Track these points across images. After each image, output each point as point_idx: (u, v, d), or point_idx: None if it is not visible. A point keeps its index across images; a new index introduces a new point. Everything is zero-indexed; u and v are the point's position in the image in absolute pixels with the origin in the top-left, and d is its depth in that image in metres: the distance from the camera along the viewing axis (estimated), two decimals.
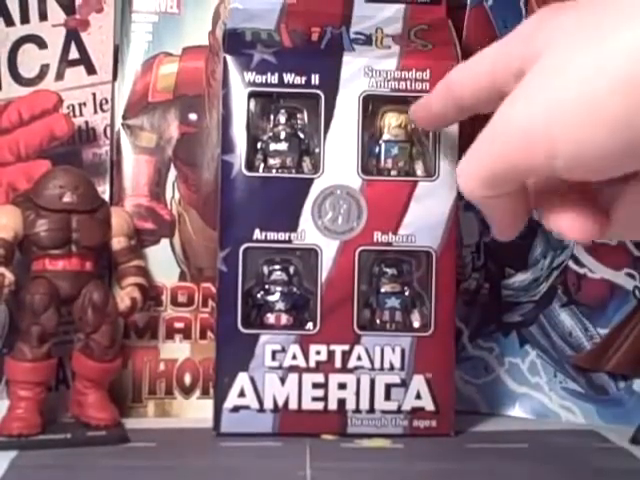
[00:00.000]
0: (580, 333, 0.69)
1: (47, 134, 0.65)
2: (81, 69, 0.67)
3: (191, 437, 0.61)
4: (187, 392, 0.67)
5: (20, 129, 0.65)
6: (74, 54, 0.66)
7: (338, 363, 0.60)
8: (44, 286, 0.59)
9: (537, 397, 0.69)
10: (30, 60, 0.66)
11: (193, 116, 0.67)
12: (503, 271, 0.70)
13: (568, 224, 0.36)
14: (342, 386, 0.60)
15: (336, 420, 0.60)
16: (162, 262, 0.67)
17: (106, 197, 0.66)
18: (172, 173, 0.67)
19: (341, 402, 0.60)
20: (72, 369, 0.62)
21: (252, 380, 0.60)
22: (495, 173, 0.35)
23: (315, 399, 0.60)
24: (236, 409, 0.60)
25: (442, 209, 0.61)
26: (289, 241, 0.60)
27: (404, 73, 0.61)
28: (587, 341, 0.69)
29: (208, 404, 0.63)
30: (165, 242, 0.67)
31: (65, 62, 0.66)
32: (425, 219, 0.61)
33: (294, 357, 0.60)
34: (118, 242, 0.63)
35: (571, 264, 0.69)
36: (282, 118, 0.62)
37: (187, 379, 0.66)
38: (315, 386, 0.60)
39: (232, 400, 0.60)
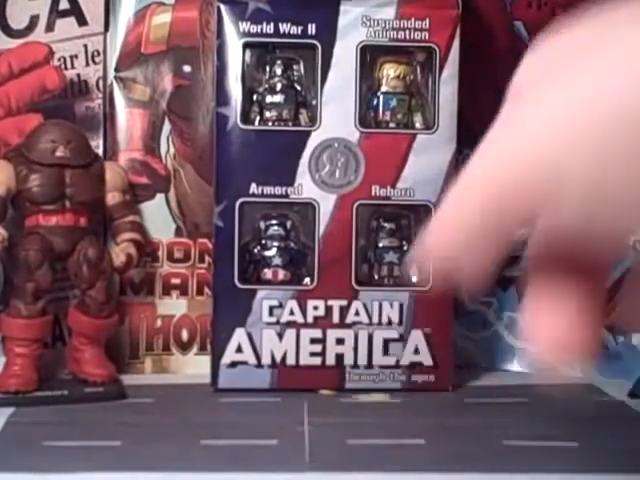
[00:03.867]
0: None
1: (38, 87, 0.63)
2: (72, 20, 0.65)
3: (189, 393, 0.60)
4: (184, 348, 0.66)
5: (10, 82, 0.64)
6: (64, 4, 0.65)
7: (336, 318, 0.60)
8: (38, 242, 0.58)
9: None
10: (19, 11, 0.64)
11: (187, 68, 0.66)
12: None
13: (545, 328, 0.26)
14: (340, 341, 0.60)
15: (334, 375, 0.60)
16: (157, 217, 0.66)
17: (99, 151, 0.65)
18: (167, 127, 0.66)
19: (339, 357, 0.60)
20: (68, 325, 0.62)
21: (249, 336, 0.60)
22: (484, 217, 0.26)
23: (313, 354, 0.60)
24: (234, 365, 0.60)
25: (441, 162, 0.60)
26: (286, 195, 0.59)
27: (403, 22, 0.60)
28: None
29: (206, 360, 0.63)
30: (160, 197, 0.66)
31: (55, 13, 0.65)
32: (424, 172, 0.60)
33: (291, 313, 0.60)
34: (112, 197, 0.62)
35: None
36: (278, 69, 0.61)
37: (184, 335, 0.66)
38: (313, 341, 0.60)
39: (229, 356, 0.60)
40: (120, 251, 0.61)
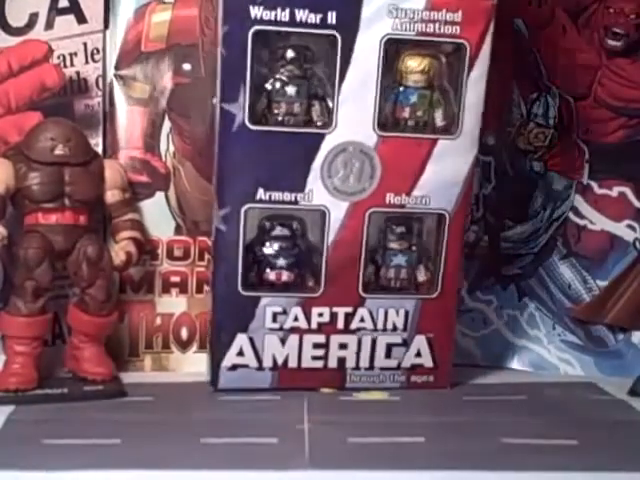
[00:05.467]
0: (579, 285, 0.69)
1: (37, 85, 0.63)
2: (71, 18, 0.65)
3: (189, 391, 0.60)
4: (184, 346, 0.66)
5: (10, 80, 0.63)
6: (64, 2, 0.65)
7: (340, 325, 0.59)
8: (37, 240, 0.58)
9: (536, 349, 0.69)
10: (19, 8, 0.64)
11: (187, 66, 0.66)
12: (502, 223, 0.70)
13: None
14: (343, 346, 0.59)
15: (335, 376, 0.60)
16: (157, 215, 0.66)
17: (99, 149, 0.65)
18: (166, 125, 0.66)
19: (341, 360, 0.59)
20: (67, 324, 0.62)
21: (251, 341, 0.58)
22: None
23: (315, 358, 0.59)
24: (234, 367, 0.59)
25: (461, 168, 0.57)
26: (295, 202, 0.56)
27: (433, 14, 0.54)
28: (586, 293, 0.69)
29: (205, 358, 0.62)
30: (160, 195, 0.66)
31: (55, 10, 0.65)
32: (442, 179, 0.57)
33: (296, 319, 0.58)
34: (112, 195, 0.62)
35: (571, 216, 0.69)
36: (290, 58, 0.56)
37: (184, 333, 0.66)
38: (316, 346, 0.59)
39: (230, 359, 0.59)
40: (120, 249, 0.61)
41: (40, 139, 0.59)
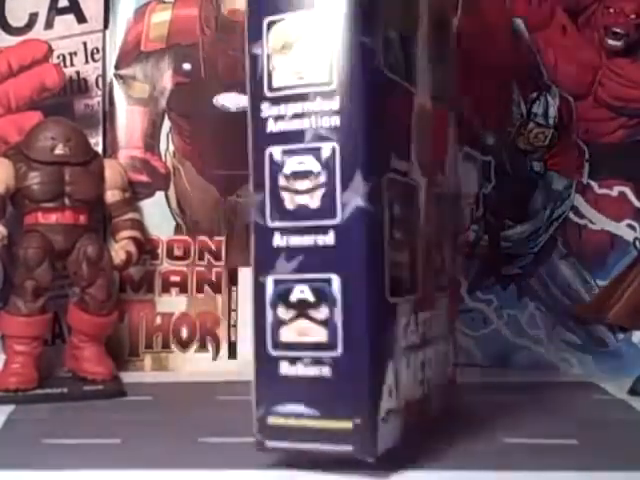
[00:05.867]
0: (579, 285, 0.69)
1: (37, 85, 0.64)
2: (71, 17, 0.65)
3: (188, 391, 0.60)
4: (184, 346, 0.66)
5: (10, 80, 0.64)
6: (64, 2, 0.65)
7: (422, 334, 0.46)
8: (37, 240, 0.58)
9: (535, 349, 0.69)
10: (18, 8, 0.64)
11: (187, 66, 0.66)
12: (502, 223, 0.70)
13: None
14: (426, 363, 0.47)
15: (426, 404, 0.48)
16: (157, 215, 0.66)
17: (99, 149, 0.65)
18: (166, 124, 0.66)
19: (426, 381, 0.47)
20: (67, 323, 0.62)
21: (396, 370, 0.41)
22: None
23: (420, 383, 0.46)
24: (387, 418, 0.40)
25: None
26: (406, 174, 0.43)
27: None
28: (586, 293, 0.69)
29: (205, 358, 0.63)
30: (160, 195, 0.66)
31: (54, 10, 0.65)
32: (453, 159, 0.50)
33: (411, 331, 0.44)
34: (112, 195, 0.62)
35: (571, 215, 0.69)
36: None
37: (184, 333, 0.66)
38: (420, 367, 0.46)
39: (386, 404, 0.40)
40: (120, 249, 0.61)
41: (40, 139, 0.59)
